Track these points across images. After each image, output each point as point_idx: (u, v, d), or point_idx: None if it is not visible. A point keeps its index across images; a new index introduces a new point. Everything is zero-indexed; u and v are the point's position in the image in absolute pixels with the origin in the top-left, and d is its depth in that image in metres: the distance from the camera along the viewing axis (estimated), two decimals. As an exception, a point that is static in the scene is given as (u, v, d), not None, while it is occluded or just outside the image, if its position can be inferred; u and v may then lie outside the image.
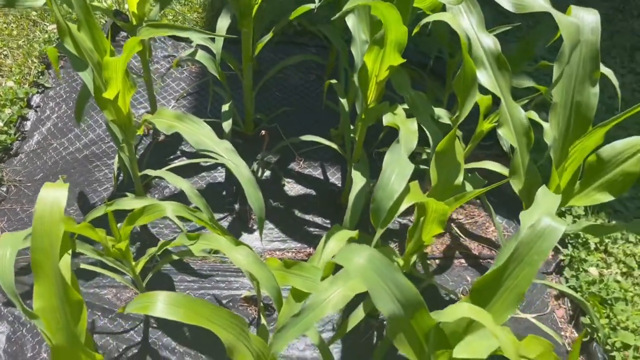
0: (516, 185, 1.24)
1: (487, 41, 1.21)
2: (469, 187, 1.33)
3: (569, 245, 1.73)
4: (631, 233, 1.63)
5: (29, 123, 1.96)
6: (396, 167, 1.01)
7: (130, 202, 1.15)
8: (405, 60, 1.19)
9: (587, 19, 1.11)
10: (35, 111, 2.00)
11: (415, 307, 0.75)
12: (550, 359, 0.92)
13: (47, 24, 2.23)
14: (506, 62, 1.19)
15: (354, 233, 1.10)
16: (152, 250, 1.25)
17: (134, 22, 1.59)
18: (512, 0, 1.09)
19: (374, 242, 0.98)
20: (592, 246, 1.71)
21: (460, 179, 1.16)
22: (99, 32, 1.26)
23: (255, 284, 1.34)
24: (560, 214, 1.78)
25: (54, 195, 0.89)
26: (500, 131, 1.21)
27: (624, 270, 1.67)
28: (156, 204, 1.10)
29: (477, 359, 0.77)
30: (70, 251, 0.99)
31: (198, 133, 1.24)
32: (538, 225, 0.87)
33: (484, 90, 1.36)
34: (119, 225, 1.16)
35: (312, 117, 2.04)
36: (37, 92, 2.04)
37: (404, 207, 1.00)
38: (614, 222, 1.76)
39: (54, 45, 2.11)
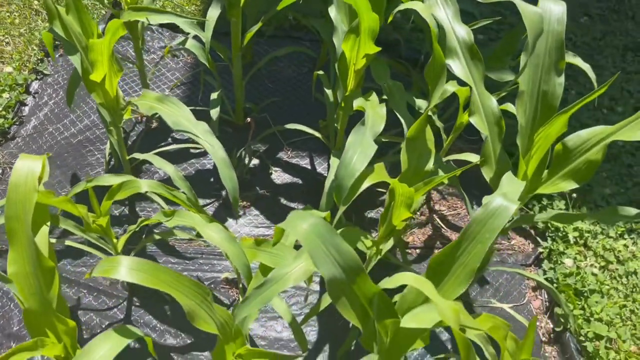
0: (487, 173, 1.27)
1: (461, 32, 1.24)
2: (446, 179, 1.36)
3: (548, 238, 1.75)
4: (602, 223, 1.64)
5: (27, 108, 2.02)
6: (359, 147, 1.05)
7: (109, 179, 1.19)
8: (380, 48, 1.23)
9: (554, 10, 1.13)
10: (34, 97, 2.06)
11: (356, 271, 0.79)
12: (500, 333, 0.96)
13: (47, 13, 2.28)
14: (478, 52, 1.22)
15: (323, 214, 1.14)
16: (132, 227, 1.29)
17: (126, 8, 1.64)
18: (478, -11, 1.12)
19: (337, 217, 1.02)
20: (572, 240, 1.73)
21: (430, 164, 1.19)
22: (86, 15, 1.31)
23: (234, 265, 1.38)
24: (542, 208, 1.81)
25: (29, 166, 0.93)
26: (472, 119, 1.24)
27: (602, 263, 1.69)
28: (132, 180, 1.15)
29: (423, 328, 0.80)
30: (49, 223, 1.04)
31: (177, 114, 1.29)
32: (490, 204, 0.91)
33: (463, 83, 1.40)
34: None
35: (302, 108, 2.08)
36: (36, 79, 2.10)
37: (365, 185, 1.03)
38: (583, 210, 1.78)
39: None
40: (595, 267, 1.69)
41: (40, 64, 2.13)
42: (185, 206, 1.22)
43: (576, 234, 1.74)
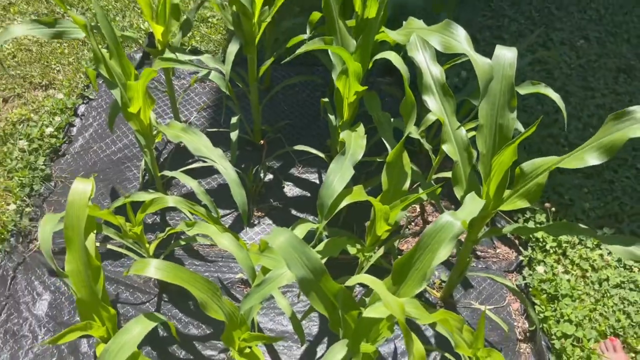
0: (458, 192, 1.48)
1: (435, 72, 1.46)
2: (425, 195, 1.59)
3: (529, 247, 1.95)
4: (552, 235, 1.81)
5: (74, 129, 2.33)
6: (338, 173, 1.29)
7: (142, 195, 1.47)
8: (365, 87, 1.46)
9: (507, 56, 1.34)
10: (81, 119, 2.37)
11: (321, 273, 1.03)
12: (450, 325, 1.18)
13: (93, 44, 2.60)
14: (449, 89, 1.44)
15: (316, 225, 1.37)
16: (161, 235, 1.56)
17: (159, 48, 1.92)
18: (441, 42, 1.34)
19: (320, 228, 1.26)
20: (550, 249, 1.92)
21: (406, 185, 1.42)
22: (125, 60, 1.59)
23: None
24: (526, 220, 2.00)
25: (82, 187, 1.21)
26: (444, 147, 1.45)
27: (577, 271, 1.88)
28: (161, 196, 1.42)
29: (379, 317, 1.04)
30: (95, 231, 1.32)
31: (197, 142, 1.55)
32: (439, 221, 1.13)
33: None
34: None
35: (314, 129, 2.33)
36: (83, 103, 2.41)
37: (344, 203, 1.27)
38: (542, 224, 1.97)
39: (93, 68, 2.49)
40: (571, 274, 1.88)
41: (86, 90, 2.44)
42: (204, 218, 1.48)
43: (554, 244, 1.93)
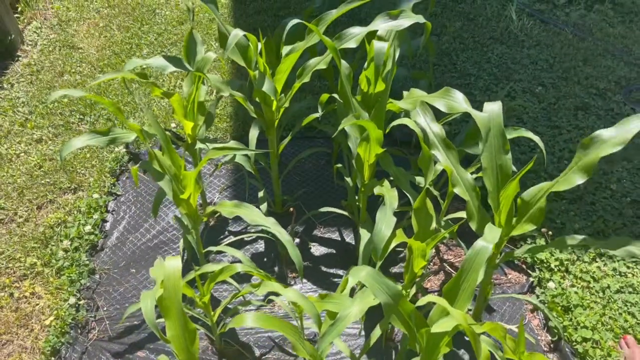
0: (473, 226, 1.75)
1: (436, 129, 1.77)
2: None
3: (536, 269, 2.21)
4: (556, 249, 2.07)
5: (108, 224, 2.53)
6: (384, 220, 1.54)
7: (209, 267, 1.68)
8: (384, 149, 1.76)
9: (494, 108, 1.65)
10: (112, 214, 2.57)
11: (398, 297, 1.26)
12: (498, 333, 1.41)
13: (113, 147, 2.85)
14: (451, 143, 1.74)
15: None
16: (225, 301, 1.77)
17: (189, 141, 2.19)
18: (445, 105, 1.66)
19: (377, 267, 1.49)
20: (555, 268, 2.19)
21: (433, 225, 1.68)
22: (175, 154, 1.85)
23: (298, 320, 1.83)
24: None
25: (174, 263, 1.42)
26: (455, 190, 1.74)
27: (582, 283, 2.15)
28: (230, 265, 1.63)
29: (445, 331, 1.26)
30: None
31: (251, 214, 1.79)
32: (475, 246, 1.39)
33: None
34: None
35: (325, 193, 2.60)
36: (112, 200, 2.63)
37: (393, 244, 1.52)
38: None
39: (137, 165, 2.75)
40: (577, 286, 2.14)
41: (113, 187, 2.66)
42: (264, 279, 1.70)
43: (557, 262, 2.20)
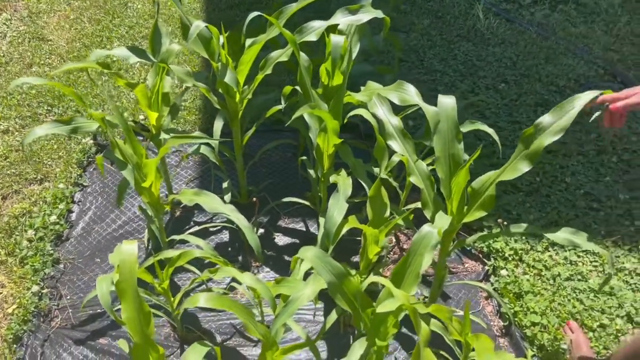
0: (427, 214, 1.82)
1: (394, 121, 1.83)
2: (401, 221, 1.92)
3: (492, 258, 2.29)
4: (506, 237, 2.16)
5: (74, 214, 2.55)
6: (336, 207, 1.60)
7: (168, 253, 1.72)
8: (342, 139, 1.81)
9: (448, 102, 1.72)
10: (78, 205, 2.59)
11: (343, 276, 1.31)
12: (444, 314, 1.48)
13: (80, 138, 2.86)
14: (408, 133, 1.81)
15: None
16: (185, 287, 1.80)
17: (154, 132, 2.22)
18: (398, 98, 1.72)
19: (329, 252, 1.55)
20: (509, 257, 2.27)
21: (387, 213, 1.74)
22: (136, 143, 1.88)
23: (258, 306, 1.88)
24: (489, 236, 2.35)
25: (130, 247, 1.45)
26: (410, 179, 1.80)
27: (534, 272, 2.23)
28: (188, 250, 1.67)
29: (389, 311, 1.32)
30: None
31: (211, 202, 1.83)
32: (422, 231, 1.46)
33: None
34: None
35: (291, 185, 2.65)
36: (78, 190, 2.64)
37: (344, 230, 1.57)
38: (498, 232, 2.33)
39: (98, 154, 2.76)
40: (529, 274, 2.22)
41: (79, 178, 2.67)
42: (222, 265, 1.74)
43: (511, 252, 2.29)
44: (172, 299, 1.83)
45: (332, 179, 1.79)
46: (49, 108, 3.06)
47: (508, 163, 1.64)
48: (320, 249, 1.35)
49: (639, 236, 2.38)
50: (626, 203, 2.53)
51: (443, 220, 1.63)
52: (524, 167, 1.60)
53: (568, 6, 3.94)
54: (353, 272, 1.78)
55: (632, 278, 2.21)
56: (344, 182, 1.72)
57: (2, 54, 3.46)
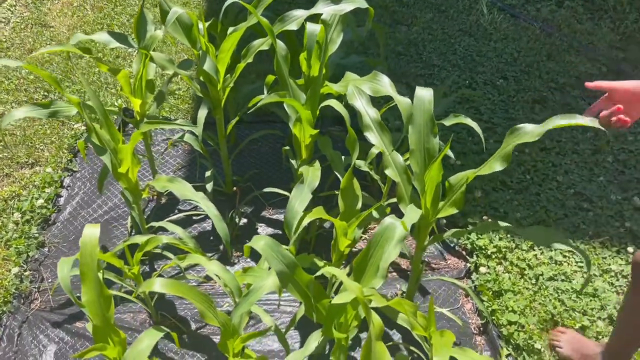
0: (403, 208, 1.79)
1: (372, 113, 1.80)
2: (376, 214, 1.90)
3: (474, 255, 2.26)
4: (482, 233, 2.15)
5: (62, 199, 2.57)
6: (299, 197, 1.58)
7: (138, 238, 1.72)
8: (317, 130, 1.79)
9: (425, 95, 1.68)
10: (67, 189, 2.61)
11: (294, 267, 1.30)
12: (405, 308, 1.46)
13: (73, 124, 2.88)
14: (385, 126, 1.78)
15: (288, 247, 1.65)
16: (155, 273, 1.80)
17: (138, 118, 2.22)
18: (371, 88, 1.69)
19: (290, 245, 1.53)
20: (492, 255, 2.24)
21: (359, 205, 1.72)
22: (114, 128, 1.88)
23: (230, 294, 1.88)
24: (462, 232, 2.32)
25: (92, 231, 1.46)
26: (386, 172, 1.77)
27: (516, 270, 2.19)
28: (156, 236, 1.67)
29: (344, 302, 1.31)
30: (101, 272, 1.56)
31: (183, 189, 1.83)
32: (384, 223, 1.43)
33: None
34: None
35: (277, 175, 2.64)
36: (68, 175, 2.66)
37: (306, 221, 1.56)
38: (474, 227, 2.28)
39: (82, 139, 2.77)
40: (511, 272, 2.18)
41: (70, 164, 2.70)
42: (192, 252, 1.74)
43: (495, 249, 2.25)
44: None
45: (301, 169, 1.78)
46: (46, 93, 3.09)
47: (486, 163, 1.60)
48: (272, 239, 1.34)
49: (629, 238, 2.33)
50: (618, 204, 2.47)
51: (413, 214, 1.61)
52: (497, 166, 1.57)
53: (575, 2, 3.85)
54: (322, 262, 1.77)
55: (617, 280, 2.16)
56: (311, 173, 1.70)
57: (4, 39, 3.50)
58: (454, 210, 1.68)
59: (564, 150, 2.73)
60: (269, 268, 1.60)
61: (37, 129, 2.86)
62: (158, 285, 1.36)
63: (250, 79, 3.08)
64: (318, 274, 1.31)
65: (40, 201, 2.48)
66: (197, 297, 1.40)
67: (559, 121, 1.47)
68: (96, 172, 2.68)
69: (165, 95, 2.34)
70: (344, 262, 1.87)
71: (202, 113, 2.27)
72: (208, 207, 1.81)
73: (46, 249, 2.33)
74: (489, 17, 3.75)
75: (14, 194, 2.53)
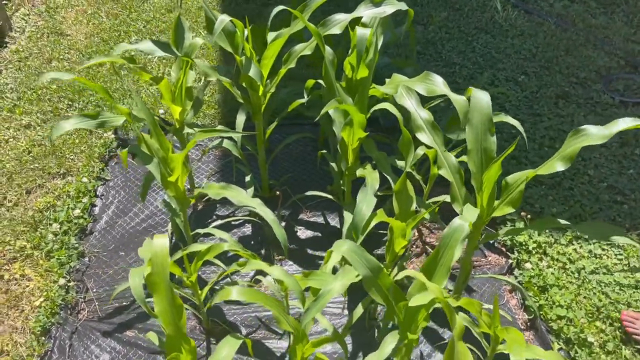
0: (457, 208, 1.81)
1: (423, 114, 1.82)
2: (427, 215, 1.91)
3: (515, 251, 2.28)
4: (535, 230, 2.17)
5: (97, 208, 2.57)
6: (365, 201, 1.60)
7: (196, 247, 1.73)
8: (367, 132, 1.81)
9: (483, 97, 1.69)
10: (101, 199, 2.61)
11: (378, 271, 1.32)
12: (474, 307, 1.48)
13: (102, 133, 2.88)
14: (437, 126, 1.80)
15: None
16: (213, 279, 1.81)
17: (177, 125, 2.23)
18: (425, 89, 1.71)
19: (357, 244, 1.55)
20: (533, 250, 2.26)
21: (413, 206, 1.74)
22: (163, 137, 1.89)
23: (284, 299, 1.89)
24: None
25: (162, 241, 1.47)
26: (440, 172, 1.79)
27: (558, 265, 2.22)
28: (217, 244, 1.68)
29: (421, 305, 1.32)
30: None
31: (238, 195, 1.84)
32: (452, 224, 1.45)
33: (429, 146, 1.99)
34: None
35: (311, 178, 2.65)
36: (101, 184, 2.66)
37: (373, 223, 1.57)
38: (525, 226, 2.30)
39: (114, 147, 2.79)
40: (553, 267, 2.21)
41: (102, 173, 2.70)
42: (250, 258, 1.75)
43: (535, 245, 2.28)
44: (199, 292, 1.84)
45: (359, 172, 1.79)
46: (70, 103, 3.08)
47: (546, 162, 1.62)
48: (355, 243, 1.36)
49: (664, 229, 2.36)
50: (650, 196, 2.51)
51: (471, 213, 1.63)
52: (560, 167, 1.57)
53: (587, -3, 3.89)
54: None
55: (657, 271, 2.20)
56: (371, 176, 1.72)
57: (21, 49, 3.49)
58: (510, 209, 1.70)
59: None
60: (333, 272, 1.61)
61: (66, 139, 2.86)
62: (235, 293, 1.37)
63: (283, 83, 3.09)
64: (400, 276, 1.32)
65: (77, 211, 2.48)
66: (272, 303, 1.41)
67: (623, 125, 1.49)
68: (129, 181, 2.68)
69: (202, 101, 2.35)
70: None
71: (241, 119, 2.28)
72: (265, 212, 1.82)
73: (86, 259, 2.33)
74: (503, 13, 3.78)
75: (48, 205, 2.52)
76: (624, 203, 2.48)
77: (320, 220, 2.46)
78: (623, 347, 1.94)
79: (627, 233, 2.35)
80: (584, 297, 2.10)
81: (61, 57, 3.42)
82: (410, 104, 1.84)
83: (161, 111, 3.00)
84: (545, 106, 3.00)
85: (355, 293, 2.05)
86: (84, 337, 2.05)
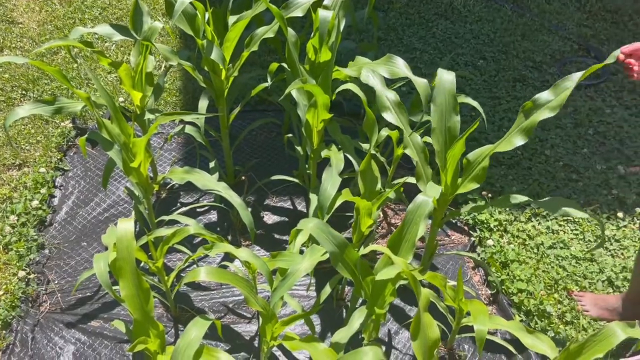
0: (422, 186, 1.83)
1: (389, 95, 1.83)
2: (392, 194, 1.94)
3: (477, 229, 2.34)
4: (498, 207, 2.24)
5: (56, 199, 2.50)
6: (330, 180, 1.61)
7: (162, 231, 1.71)
8: (332, 115, 1.82)
9: (447, 77, 1.73)
10: (60, 189, 2.54)
11: (344, 246, 1.33)
12: (438, 281, 1.51)
13: (59, 122, 2.80)
14: (403, 105, 1.82)
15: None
16: (179, 265, 1.80)
17: (138, 112, 2.19)
18: (387, 71, 1.73)
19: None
20: (494, 228, 2.33)
21: (378, 186, 1.76)
22: (124, 122, 1.85)
23: (252, 281, 1.89)
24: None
25: (126, 225, 1.44)
26: (406, 151, 1.81)
27: (518, 241, 2.29)
28: (183, 228, 1.67)
29: (388, 279, 1.35)
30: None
31: (203, 179, 1.83)
32: (417, 200, 1.48)
33: (392, 127, 2.01)
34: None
35: (276, 164, 2.65)
36: (60, 175, 2.59)
37: (338, 203, 1.59)
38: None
39: (72, 135, 2.71)
40: (514, 244, 2.28)
41: (60, 163, 2.62)
42: (217, 241, 1.74)
43: (496, 223, 2.34)
44: (166, 278, 1.82)
45: (324, 153, 1.80)
46: (24, 92, 2.98)
47: (504, 137, 1.66)
48: (321, 221, 1.37)
49: (617, 204, 2.47)
50: (603, 173, 2.61)
51: (434, 190, 1.66)
52: (518, 141, 1.62)
53: (541, -17, 3.99)
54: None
55: (611, 244, 2.30)
56: (336, 156, 1.73)
57: (-30, 38, 3.35)
58: (474, 185, 1.74)
59: (548, 125, 2.85)
60: (301, 252, 1.62)
61: (21, 129, 2.76)
62: (204, 273, 1.37)
63: (244, 68, 3.06)
64: (366, 251, 1.34)
65: (35, 202, 2.41)
66: (241, 283, 1.41)
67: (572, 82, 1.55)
68: (89, 170, 2.62)
69: (163, 87, 2.31)
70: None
71: (204, 104, 2.25)
72: (232, 196, 1.81)
73: (47, 251, 2.27)
74: (462, 0, 3.84)
75: (4, 197, 2.44)
76: (579, 180, 2.57)
77: (287, 205, 2.47)
78: (580, 317, 2.03)
79: (583, 209, 2.44)
80: (543, 271, 2.18)
81: (13, 45, 3.30)
82: (376, 82, 1.85)
83: (121, 99, 2.93)
84: (503, 89, 3.07)
85: (321, 278, 2.08)
86: (47, 329, 2.00)
